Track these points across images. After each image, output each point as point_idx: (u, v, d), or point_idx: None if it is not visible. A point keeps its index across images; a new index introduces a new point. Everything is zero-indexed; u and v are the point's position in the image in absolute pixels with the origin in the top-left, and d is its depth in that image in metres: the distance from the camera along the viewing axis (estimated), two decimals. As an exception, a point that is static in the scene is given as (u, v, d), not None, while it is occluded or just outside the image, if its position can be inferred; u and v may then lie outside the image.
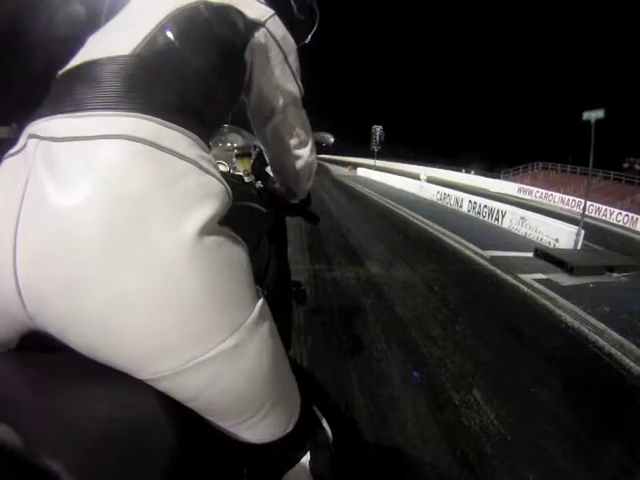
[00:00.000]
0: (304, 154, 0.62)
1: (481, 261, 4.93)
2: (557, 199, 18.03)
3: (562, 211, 14.81)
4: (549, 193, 18.68)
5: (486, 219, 8.77)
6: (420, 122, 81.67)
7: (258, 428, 0.40)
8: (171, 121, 0.36)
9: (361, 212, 8.55)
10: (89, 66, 0.38)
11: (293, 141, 0.60)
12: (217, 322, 0.34)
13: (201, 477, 0.37)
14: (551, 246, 6.28)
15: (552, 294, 3.80)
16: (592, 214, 14.83)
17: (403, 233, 6.40)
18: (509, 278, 4.26)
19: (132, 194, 0.31)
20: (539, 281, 4.20)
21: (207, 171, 0.36)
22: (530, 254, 5.49)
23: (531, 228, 7.09)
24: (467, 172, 26.39)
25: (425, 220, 7.73)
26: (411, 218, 8.10)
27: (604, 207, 15.06)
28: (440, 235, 6.45)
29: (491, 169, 26.50)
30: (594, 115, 6.30)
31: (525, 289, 3.95)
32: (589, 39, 58.13)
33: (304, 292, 1.03)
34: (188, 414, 0.35)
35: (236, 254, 0.38)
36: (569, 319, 3.25)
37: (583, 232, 6.19)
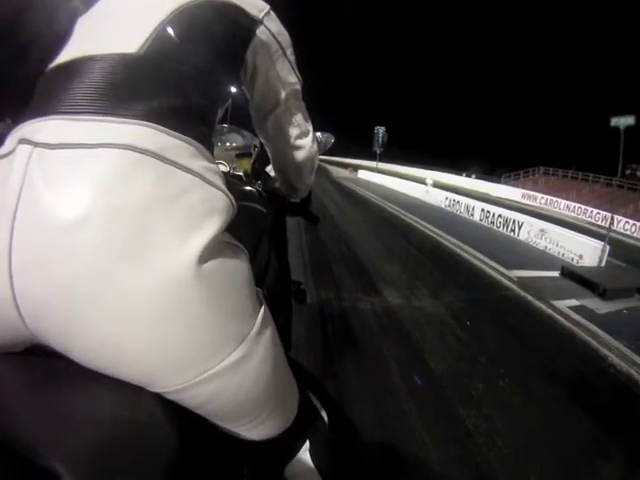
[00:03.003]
0: (306, 144, 0.61)
1: (509, 284, 4.45)
2: (562, 206, 17.71)
3: (569, 219, 14.50)
4: (554, 199, 18.39)
5: (501, 230, 8.27)
6: (418, 124, 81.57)
7: (259, 428, 0.40)
8: (176, 129, 0.34)
9: (367, 220, 8.15)
10: (87, 62, 0.35)
11: (294, 131, 0.58)
12: (224, 336, 0.33)
13: (202, 476, 0.36)
14: (575, 262, 5.91)
15: (592, 327, 3.43)
16: (599, 222, 14.49)
17: (417, 247, 5.91)
18: (543, 307, 3.82)
19: (133, 207, 0.30)
20: (574, 309, 3.84)
21: (212, 184, 0.35)
22: (556, 273, 5.11)
23: (552, 242, 6.64)
24: (468, 176, 25.97)
25: (437, 230, 7.26)
26: (422, 228, 7.64)
27: (610, 215, 14.68)
28: (458, 250, 5.97)
29: (491, 173, 26.23)
30: (623, 121, 5.89)
31: (563, 321, 3.54)
32: (586, 38, 58.43)
33: (304, 291, 1.02)
34: (189, 414, 0.35)
35: (238, 264, 0.37)
36: (616, 360, 2.93)
37: (609, 248, 5.80)
